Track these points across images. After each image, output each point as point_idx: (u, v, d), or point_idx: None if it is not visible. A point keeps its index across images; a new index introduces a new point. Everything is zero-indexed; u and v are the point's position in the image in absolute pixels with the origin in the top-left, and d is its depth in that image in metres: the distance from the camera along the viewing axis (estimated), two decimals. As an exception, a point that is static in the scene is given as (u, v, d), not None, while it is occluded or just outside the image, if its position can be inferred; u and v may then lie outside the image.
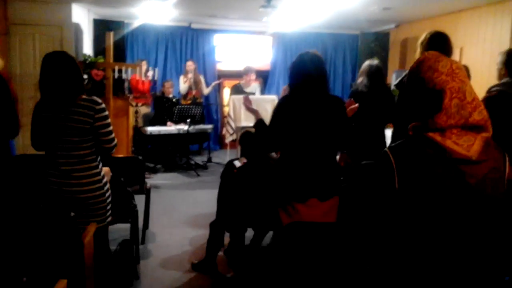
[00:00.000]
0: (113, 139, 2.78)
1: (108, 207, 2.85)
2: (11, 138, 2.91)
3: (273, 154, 3.51)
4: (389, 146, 1.53)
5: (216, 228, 3.62)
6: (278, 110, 2.73)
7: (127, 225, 3.84)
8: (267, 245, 3.99)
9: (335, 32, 9.30)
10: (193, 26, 8.97)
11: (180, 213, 5.23)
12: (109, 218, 2.88)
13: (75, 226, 2.67)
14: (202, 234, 4.41)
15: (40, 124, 2.69)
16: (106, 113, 2.74)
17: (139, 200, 4.21)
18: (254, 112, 2.99)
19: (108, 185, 2.85)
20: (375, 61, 4.45)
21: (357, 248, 2.92)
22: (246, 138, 3.55)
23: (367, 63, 4.43)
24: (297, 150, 2.71)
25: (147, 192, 4.34)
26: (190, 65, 8.19)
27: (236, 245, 3.69)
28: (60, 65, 2.65)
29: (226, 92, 9.56)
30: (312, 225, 2.69)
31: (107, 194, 2.83)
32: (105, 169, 3.24)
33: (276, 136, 2.73)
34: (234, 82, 9.42)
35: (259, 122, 2.87)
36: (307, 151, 2.69)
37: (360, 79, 4.40)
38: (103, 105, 2.74)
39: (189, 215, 5.14)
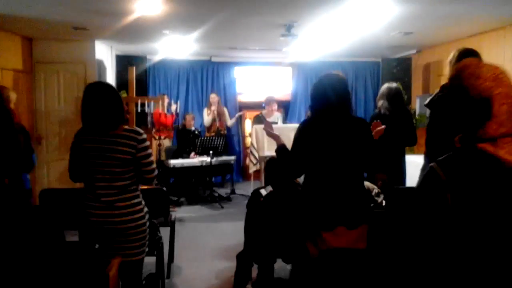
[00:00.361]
0: (154, 170, 2.75)
1: (147, 239, 2.79)
2: (20, 173, 2.90)
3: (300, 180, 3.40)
4: (437, 161, 1.42)
5: (243, 259, 3.49)
6: (300, 134, 2.64)
7: (152, 259, 3.73)
8: (289, 277, 3.81)
9: (356, 60, 9.26)
10: (214, 59, 9.06)
11: (205, 245, 5.10)
12: (146, 251, 2.81)
13: (102, 258, 2.61)
14: (229, 266, 4.27)
15: (80, 154, 2.65)
16: (148, 143, 2.72)
17: (164, 233, 4.13)
18: (275, 137, 2.92)
19: (147, 217, 2.79)
20: (394, 84, 4.41)
21: (391, 274, 2.76)
22: (271, 165, 3.45)
23: (386, 85, 4.39)
24: (321, 175, 2.60)
25: (172, 224, 4.25)
26: (213, 97, 8.23)
27: (265, 277, 3.54)
28: (103, 94, 2.64)
29: (248, 123, 9.54)
30: (342, 251, 2.55)
31: (147, 225, 2.77)
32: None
33: (299, 161, 2.63)
34: (255, 113, 9.43)
35: (281, 147, 2.79)
36: (331, 176, 2.58)
37: (381, 102, 4.36)
38: (145, 136, 2.73)
39: (215, 248, 5.01)
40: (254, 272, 3.68)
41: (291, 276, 3.62)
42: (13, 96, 4.33)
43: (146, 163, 2.69)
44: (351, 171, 2.60)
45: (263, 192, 3.47)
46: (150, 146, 2.75)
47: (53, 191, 3.82)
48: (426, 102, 3.05)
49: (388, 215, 3.61)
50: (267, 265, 3.49)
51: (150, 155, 2.72)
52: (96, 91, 2.65)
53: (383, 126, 3.27)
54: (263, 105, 9.43)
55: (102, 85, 2.74)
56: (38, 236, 3.05)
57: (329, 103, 2.59)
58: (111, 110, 2.63)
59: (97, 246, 2.70)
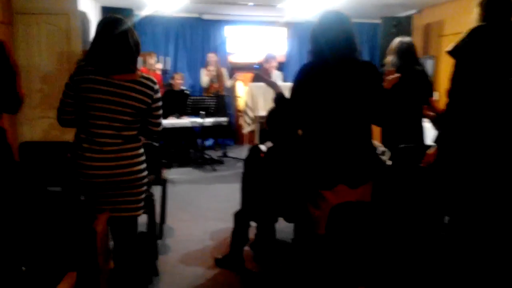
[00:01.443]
0: (161, 123, 2.51)
1: (144, 194, 2.51)
2: (10, 113, 2.56)
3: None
4: None
5: (241, 219, 3.23)
6: (299, 78, 2.34)
7: (142, 218, 3.46)
8: (292, 238, 3.59)
9: (354, 21, 8.87)
10: (204, 17, 8.63)
11: (198, 207, 4.86)
12: (142, 210, 2.54)
13: (89, 213, 2.34)
14: (224, 228, 4.03)
15: (84, 94, 2.27)
16: (160, 94, 2.46)
17: (155, 192, 3.87)
18: (273, 85, 2.62)
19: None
20: (406, 38, 4.01)
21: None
22: (272, 116, 3.16)
23: (397, 40, 3.95)
24: (321, 127, 2.32)
25: (163, 183, 3.97)
26: (212, 57, 7.87)
27: (265, 237, 3.31)
28: (126, 30, 2.29)
29: (239, 85, 9.21)
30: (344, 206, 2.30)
31: (146, 180, 2.49)
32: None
33: (298, 109, 2.35)
34: (247, 74, 9.08)
35: (280, 96, 2.50)
36: (333, 127, 2.30)
37: (389, 58, 3.92)
38: (158, 86, 2.45)
39: (209, 209, 4.77)
40: (252, 233, 3.45)
41: (294, 237, 3.39)
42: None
43: (157, 115, 2.45)
44: (355, 123, 2.32)
45: (263, 148, 3.20)
46: None
47: (34, 144, 3.50)
48: (450, 49, 2.70)
49: (393, 173, 3.39)
50: (268, 225, 3.26)
51: (161, 107, 2.46)
52: (117, 25, 2.27)
53: (397, 75, 2.97)
54: (256, 66, 9.10)
55: (123, 21, 2.32)
56: (18, 191, 2.76)
57: (331, 44, 2.28)
58: (133, 51, 2.32)
59: (82, 198, 2.44)
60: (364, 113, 2.33)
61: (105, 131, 2.31)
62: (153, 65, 7.34)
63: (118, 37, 2.27)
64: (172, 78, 7.64)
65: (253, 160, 3.22)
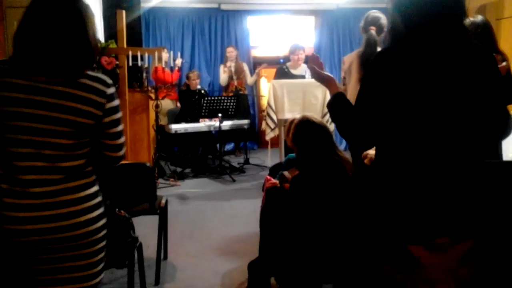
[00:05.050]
0: (122, 145, 1.66)
1: (104, 253, 1.66)
2: None
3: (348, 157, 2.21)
4: None
5: (258, 273, 2.35)
6: (375, 73, 1.45)
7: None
8: None
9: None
10: (223, 7, 7.80)
11: (210, 234, 3.99)
12: (102, 275, 1.69)
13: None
14: (238, 267, 3.18)
15: None
16: (118, 102, 1.61)
17: (152, 220, 3.06)
18: (328, 81, 1.69)
19: (105, 218, 1.67)
20: (479, 17, 3.03)
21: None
22: (306, 129, 2.24)
23: (468, 21, 2.97)
24: (410, 146, 1.41)
25: (162, 212, 3.13)
26: (231, 51, 7.07)
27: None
28: (62, 11, 1.49)
29: (264, 82, 8.33)
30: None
31: (103, 232, 1.63)
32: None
33: (372, 121, 1.45)
34: (272, 70, 8.18)
35: (338, 97, 1.58)
36: (430, 147, 1.40)
37: None
38: (114, 89, 1.60)
39: (223, 238, 3.89)
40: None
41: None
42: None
43: (114, 134, 1.60)
44: (465, 140, 1.42)
45: (287, 174, 2.30)
46: (120, 108, 1.63)
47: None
48: None
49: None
50: None
51: (120, 121, 1.62)
52: (51, 4, 1.49)
53: (504, 63, 2.04)
54: (282, 61, 8.17)
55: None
56: None
57: (430, 18, 1.41)
58: (91, 46, 1.53)
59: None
60: (477, 124, 1.42)
61: (32, 163, 1.48)
62: (169, 62, 6.54)
63: (55, 18, 1.46)
64: (187, 77, 6.85)
65: (275, 194, 2.31)
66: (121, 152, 1.66)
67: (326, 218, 2.03)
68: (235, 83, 7.10)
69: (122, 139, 1.64)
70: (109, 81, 1.58)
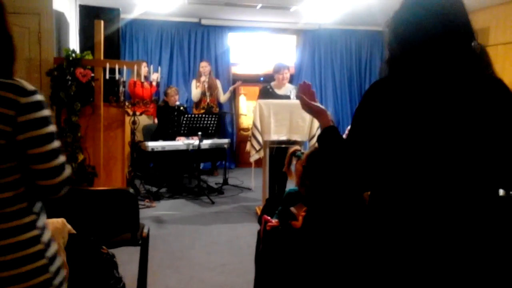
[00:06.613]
0: (58, 169, 1.28)
1: None
2: None
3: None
4: None
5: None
6: (370, 103, 1.27)
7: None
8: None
9: (373, 29, 7.85)
10: (204, 22, 7.59)
11: (191, 263, 3.71)
12: None
13: None
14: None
15: None
16: (46, 113, 1.27)
17: (133, 251, 2.77)
18: (317, 112, 1.50)
19: (58, 260, 1.37)
20: (473, 42, 2.91)
21: None
22: (314, 164, 2.03)
23: None
24: (410, 188, 1.23)
25: (143, 243, 2.84)
26: (204, 66, 6.85)
27: None
28: None
29: (242, 100, 8.14)
30: None
31: (55, 282, 1.34)
32: (55, 224, 1.80)
33: (367, 157, 1.26)
34: (252, 88, 8.02)
35: (329, 131, 1.39)
36: (434, 190, 1.21)
37: None
38: (39, 97, 1.27)
39: (204, 267, 3.62)
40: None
41: None
42: None
43: (40, 155, 1.25)
44: (475, 181, 1.23)
45: (293, 211, 2.07)
46: (51, 121, 1.28)
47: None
48: None
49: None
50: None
51: (50, 137, 1.27)
52: None
53: None
54: (261, 79, 8.02)
55: None
56: None
57: (432, 41, 1.25)
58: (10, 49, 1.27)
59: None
60: (488, 163, 1.24)
61: None
62: (146, 76, 6.27)
63: None
64: (166, 94, 6.59)
65: (281, 236, 2.08)
66: (58, 179, 1.28)
67: (346, 259, 1.82)
68: (208, 99, 6.88)
69: (56, 161, 1.27)
70: (29, 87, 1.25)
